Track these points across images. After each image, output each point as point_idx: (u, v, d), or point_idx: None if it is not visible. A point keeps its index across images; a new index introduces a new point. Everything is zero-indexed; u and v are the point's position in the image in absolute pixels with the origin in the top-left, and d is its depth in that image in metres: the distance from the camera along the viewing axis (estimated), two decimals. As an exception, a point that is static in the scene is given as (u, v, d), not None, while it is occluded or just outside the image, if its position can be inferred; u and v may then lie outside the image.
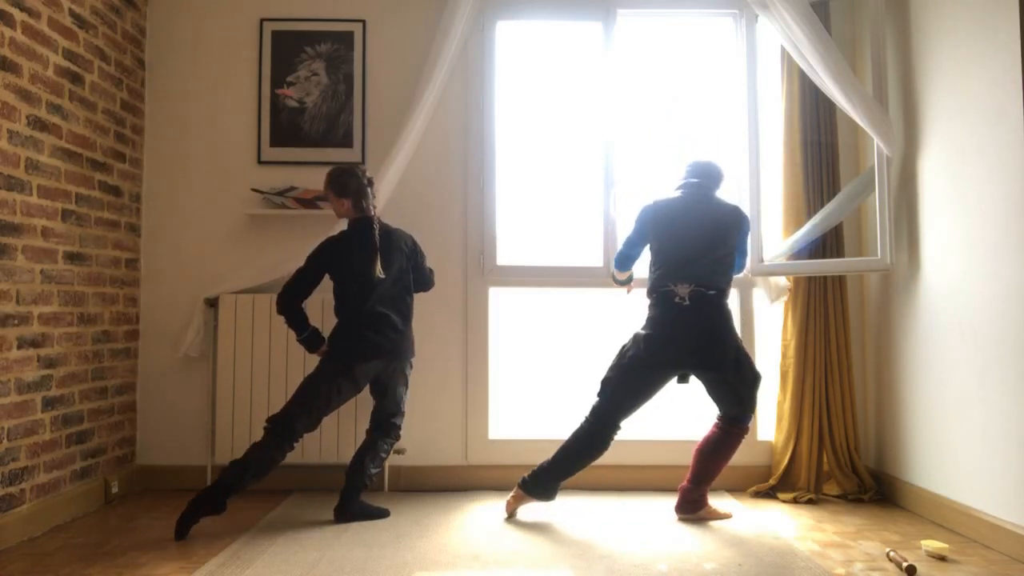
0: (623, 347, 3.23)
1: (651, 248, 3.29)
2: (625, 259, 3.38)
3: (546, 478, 3.20)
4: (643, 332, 3.18)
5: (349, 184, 3.20)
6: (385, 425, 3.27)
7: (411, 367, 3.35)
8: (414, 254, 3.33)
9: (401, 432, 3.34)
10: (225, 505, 2.97)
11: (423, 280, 3.38)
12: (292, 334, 3.61)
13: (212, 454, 3.69)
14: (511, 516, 3.26)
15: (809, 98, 3.72)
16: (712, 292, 3.11)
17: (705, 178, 3.28)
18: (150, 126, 3.87)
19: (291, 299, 3.17)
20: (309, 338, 3.20)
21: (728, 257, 3.21)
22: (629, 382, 3.16)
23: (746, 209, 3.74)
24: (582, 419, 3.22)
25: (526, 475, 3.24)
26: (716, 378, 3.17)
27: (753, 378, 3.21)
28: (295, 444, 3.08)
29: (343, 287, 3.19)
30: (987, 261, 2.92)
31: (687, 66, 4.09)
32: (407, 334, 3.26)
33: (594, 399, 3.21)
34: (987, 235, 2.92)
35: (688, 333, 3.10)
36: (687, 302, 3.09)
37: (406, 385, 3.33)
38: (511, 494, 3.28)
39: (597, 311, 3.92)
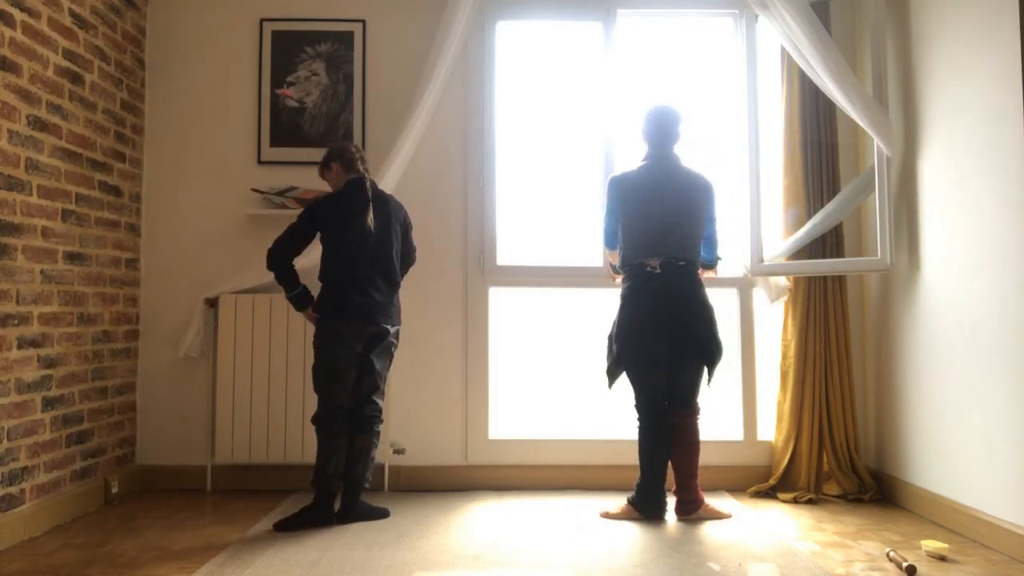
0: (608, 336, 3.31)
1: (621, 224, 3.34)
2: (612, 236, 3.42)
3: (646, 491, 3.23)
4: (619, 306, 3.29)
5: (331, 153, 3.27)
6: (363, 412, 3.17)
7: (396, 343, 3.30)
8: (406, 225, 3.35)
9: (383, 415, 3.25)
10: (333, 516, 3.11)
11: (408, 250, 3.36)
12: (292, 334, 3.62)
13: (212, 454, 3.69)
14: (609, 519, 3.24)
15: (809, 98, 3.72)
16: (682, 263, 3.22)
17: (667, 145, 3.32)
18: (150, 126, 3.87)
19: (282, 254, 3.16)
20: (299, 296, 3.19)
21: (697, 229, 3.29)
22: (635, 356, 3.22)
23: (746, 209, 3.75)
24: (635, 425, 3.29)
25: (633, 492, 3.29)
26: (688, 337, 3.20)
27: (718, 346, 3.24)
28: (344, 423, 3.12)
29: (333, 246, 3.17)
30: (987, 261, 2.92)
31: (687, 66, 4.09)
32: (393, 300, 3.24)
33: (630, 398, 3.29)
34: (987, 235, 2.92)
35: (661, 291, 3.20)
36: (658, 271, 3.20)
37: (390, 359, 3.29)
38: (619, 506, 3.28)
39: (597, 311, 3.91)
